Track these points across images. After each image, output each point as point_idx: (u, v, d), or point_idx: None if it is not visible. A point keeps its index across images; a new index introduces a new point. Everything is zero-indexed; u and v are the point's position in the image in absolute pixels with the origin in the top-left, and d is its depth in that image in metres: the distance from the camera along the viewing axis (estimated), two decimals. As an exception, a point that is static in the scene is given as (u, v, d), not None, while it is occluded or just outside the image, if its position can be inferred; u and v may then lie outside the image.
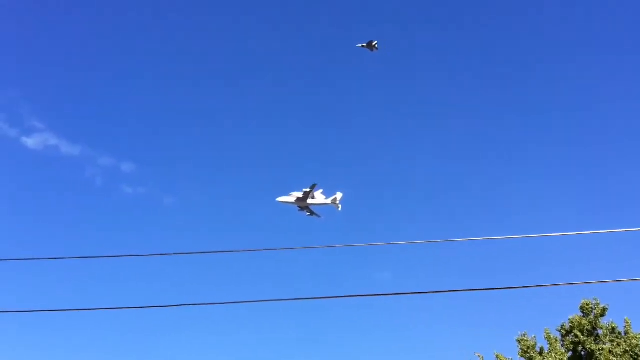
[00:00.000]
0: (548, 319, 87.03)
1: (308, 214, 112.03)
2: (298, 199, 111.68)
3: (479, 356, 42.98)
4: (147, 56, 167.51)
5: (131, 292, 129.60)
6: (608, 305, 42.31)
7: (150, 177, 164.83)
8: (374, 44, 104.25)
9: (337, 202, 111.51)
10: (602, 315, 42.17)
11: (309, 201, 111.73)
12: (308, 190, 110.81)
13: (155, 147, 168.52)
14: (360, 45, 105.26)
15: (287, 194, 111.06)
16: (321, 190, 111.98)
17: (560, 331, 42.49)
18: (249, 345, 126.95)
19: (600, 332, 41.75)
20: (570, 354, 41.68)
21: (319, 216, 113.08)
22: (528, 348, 41.84)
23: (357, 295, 19.68)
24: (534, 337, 42.66)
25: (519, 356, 42.43)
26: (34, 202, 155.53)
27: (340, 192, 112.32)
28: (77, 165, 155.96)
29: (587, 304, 42.52)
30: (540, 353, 41.68)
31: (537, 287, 20.11)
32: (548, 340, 41.99)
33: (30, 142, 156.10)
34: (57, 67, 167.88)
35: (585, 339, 41.00)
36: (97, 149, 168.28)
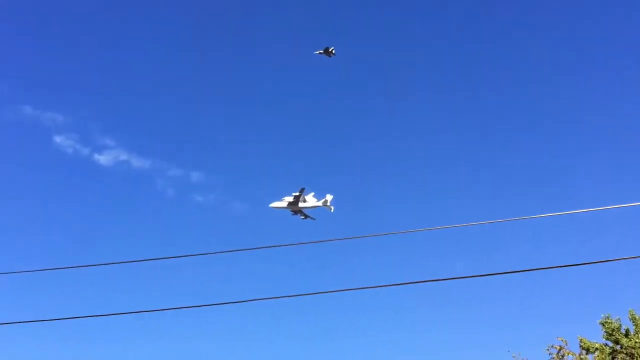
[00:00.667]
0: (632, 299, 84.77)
1: (302, 217, 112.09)
2: (289, 203, 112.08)
3: (514, 357, 42.33)
4: (204, 69, 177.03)
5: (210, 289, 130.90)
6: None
7: (218, 185, 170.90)
8: (330, 50, 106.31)
9: (329, 203, 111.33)
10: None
11: (301, 205, 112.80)
12: (297, 194, 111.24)
13: (220, 156, 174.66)
14: (318, 52, 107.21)
15: (279, 199, 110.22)
16: (312, 193, 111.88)
17: (646, 311, 40.04)
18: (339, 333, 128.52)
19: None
20: (657, 334, 39.31)
21: (313, 218, 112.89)
22: (613, 330, 39.58)
23: (435, 280, 19.04)
24: (618, 318, 40.25)
25: (603, 339, 40.00)
26: (111, 216, 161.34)
27: (330, 194, 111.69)
28: (149, 177, 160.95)
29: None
30: (626, 334, 39.25)
31: (618, 264, 19.52)
32: (633, 322, 39.62)
33: (103, 158, 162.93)
34: (123, 86, 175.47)
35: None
36: (166, 161, 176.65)
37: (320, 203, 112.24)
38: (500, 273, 18.17)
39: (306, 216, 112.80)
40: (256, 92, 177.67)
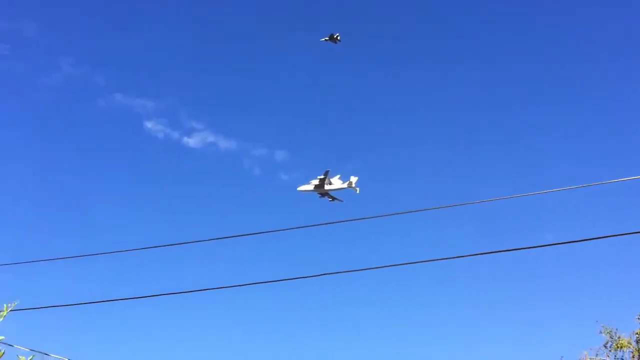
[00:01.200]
0: None
1: (330, 199, 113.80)
2: (316, 186, 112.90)
3: (603, 327, 42.18)
4: (283, 47, 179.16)
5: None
6: None
7: (302, 163, 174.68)
8: (335, 36, 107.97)
9: (353, 185, 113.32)
10: None
11: (327, 187, 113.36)
12: (322, 177, 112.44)
13: (303, 135, 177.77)
14: (323, 39, 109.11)
15: (307, 182, 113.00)
16: (338, 176, 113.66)
17: None
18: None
19: None
20: None
21: (341, 200, 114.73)
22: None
23: (521, 249, 18.47)
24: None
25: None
26: (202, 195, 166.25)
27: (355, 176, 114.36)
28: (236, 158, 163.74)
29: None
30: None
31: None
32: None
33: (192, 141, 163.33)
34: (206, 70, 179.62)
35: None
36: (251, 141, 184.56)
37: (345, 185, 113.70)
38: (587, 240, 17.84)
39: (333, 198, 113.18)
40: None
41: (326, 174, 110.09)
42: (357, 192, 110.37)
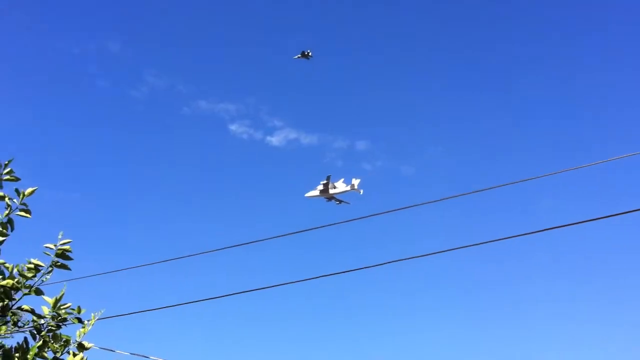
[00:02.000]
0: None
1: (337, 202, 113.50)
2: (321, 191, 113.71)
3: None
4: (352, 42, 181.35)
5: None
6: None
7: (384, 151, 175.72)
8: (307, 52, 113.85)
9: (356, 187, 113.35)
10: None
11: (332, 191, 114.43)
12: (325, 182, 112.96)
13: (383, 123, 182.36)
14: (296, 56, 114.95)
15: (314, 188, 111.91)
16: (342, 179, 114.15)
17: None
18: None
19: None
20: None
21: (347, 202, 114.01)
22: None
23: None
24: None
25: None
26: (289, 191, 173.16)
27: (356, 178, 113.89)
28: (318, 152, 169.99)
29: None
30: None
31: None
32: None
33: (274, 139, 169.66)
34: (282, 70, 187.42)
35: None
36: (331, 134, 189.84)
37: (349, 188, 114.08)
38: None
39: (340, 201, 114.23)
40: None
41: (328, 178, 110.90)
42: (361, 193, 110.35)
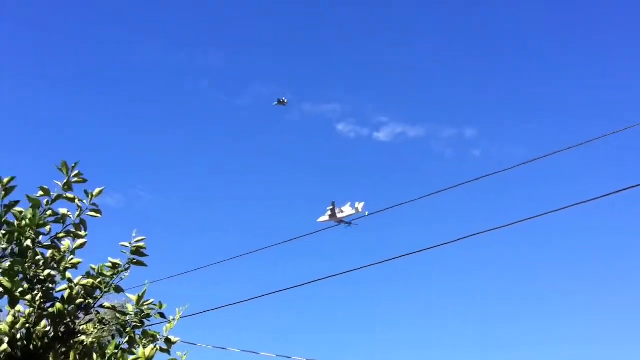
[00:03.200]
0: None
1: (346, 225, 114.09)
2: (330, 216, 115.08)
3: None
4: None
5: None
6: None
7: (494, 136, 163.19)
8: (283, 99, 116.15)
9: (360, 210, 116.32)
10: None
11: (339, 215, 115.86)
12: (331, 207, 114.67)
13: (492, 107, 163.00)
14: (275, 103, 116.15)
15: (324, 213, 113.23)
16: (349, 203, 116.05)
17: None
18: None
19: None
20: None
21: (356, 224, 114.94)
22: None
23: None
24: None
25: None
26: (398, 185, 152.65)
27: (360, 201, 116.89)
28: (425, 143, 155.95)
29: None
30: None
31: None
32: None
33: (381, 135, 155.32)
34: (384, 65, 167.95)
35: None
36: (437, 124, 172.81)
37: (354, 211, 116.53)
38: None
39: (349, 223, 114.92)
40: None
41: (333, 204, 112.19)
42: (366, 215, 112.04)
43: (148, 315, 6.50)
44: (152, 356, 5.43)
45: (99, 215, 6.26)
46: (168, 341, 6.48)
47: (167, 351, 6.51)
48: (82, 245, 6.25)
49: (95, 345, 5.84)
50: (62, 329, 5.88)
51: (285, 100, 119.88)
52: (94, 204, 6.25)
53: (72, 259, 6.20)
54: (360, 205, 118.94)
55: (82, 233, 6.15)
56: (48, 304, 5.97)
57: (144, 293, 6.44)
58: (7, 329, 5.64)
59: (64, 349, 5.62)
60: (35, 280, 5.87)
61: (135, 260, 6.48)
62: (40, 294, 5.89)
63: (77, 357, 5.42)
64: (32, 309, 5.86)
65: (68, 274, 6.11)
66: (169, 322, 6.50)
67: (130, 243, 6.46)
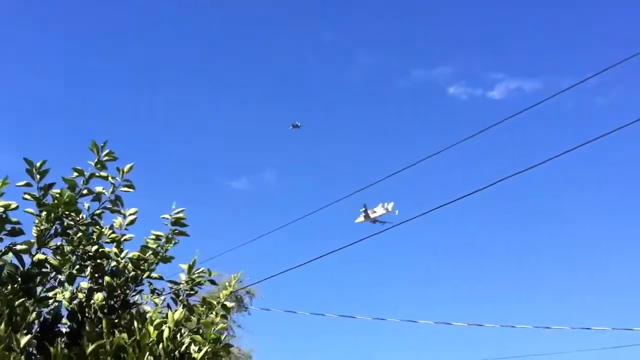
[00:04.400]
0: None
1: (381, 224, 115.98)
2: (364, 217, 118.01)
3: None
4: None
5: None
6: None
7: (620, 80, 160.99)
8: (297, 123, 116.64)
9: (390, 209, 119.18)
10: None
11: (373, 215, 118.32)
12: (363, 209, 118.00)
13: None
14: (290, 127, 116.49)
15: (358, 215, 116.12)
16: (381, 204, 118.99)
17: None
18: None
19: None
20: None
21: (390, 222, 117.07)
22: None
23: None
24: None
25: None
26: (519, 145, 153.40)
27: (389, 202, 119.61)
28: (544, 96, 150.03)
29: None
30: None
31: None
32: None
33: (495, 93, 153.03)
34: (490, 21, 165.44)
35: None
36: (557, 75, 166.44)
37: (384, 211, 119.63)
38: None
39: (383, 222, 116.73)
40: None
41: (365, 206, 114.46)
42: (397, 213, 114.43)
43: (199, 283, 6.57)
44: (181, 319, 5.38)
45: (131, 189, 6.32)
46: (224, 307, 6.52)
47: (225, 317, 6.59)
48: (132, 222, 6.38)
49: (147, 313, 5.88)
50: (115, 302, 5.97)
51: (299, 124, 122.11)
52: (126, 180, 6.30)
53: (124, 235, 6.34)
54: (389, 205, 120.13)
55: (131, 210, 6.35)
56: (101, 280, 6.05)
57: (194, 262, 6.50)
58: (67, 303, 5.81)
59: (116, 320, 5.67)
60: (85, 257, 5.97)
61: (177, 231, 6.53)
62: (90, 270, 5.99)
63: (126, 324, 5.45)
64: (87, 284, 5.97)
65: (114, 249, 6.20)
66: (226, 288, 6.57)
67: (170, 215, 6.52)
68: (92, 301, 5.75)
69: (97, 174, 6.14)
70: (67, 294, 5.82)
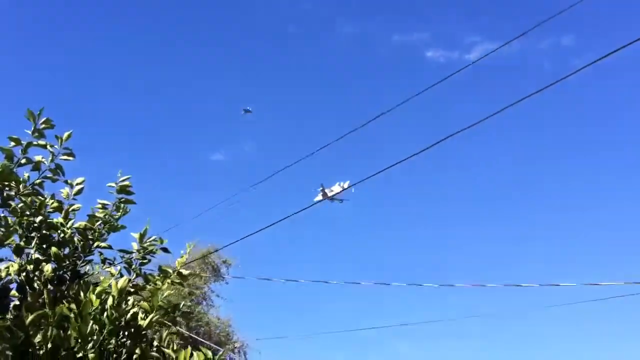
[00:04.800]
0: None
1: (339, 202, 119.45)
2: (322, 195, 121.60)
3: None
4: None
5: None
6: None
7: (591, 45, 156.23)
8: (248, 109, 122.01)
9: (346, 186, 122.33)
10: None
11: (330, 194, 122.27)
12: (321, 189, 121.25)
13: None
14: (243, 112, 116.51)
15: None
16: (338, 183, 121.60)
17: None
18: None
19: None
20: None
21: (348, 200, 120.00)
22: None
23: None
24: None
25: None
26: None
27: (345, 181, 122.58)
28: (522, 58, 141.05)
29: None
30: None
31: None
32: None
33: (472, 56, 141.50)
34: None
35: None
36: (534, 36, 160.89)
37: (340, 189, 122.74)
38: None
39: (341, 200, 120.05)
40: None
41: (322, 186, 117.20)
42: (353, 190, 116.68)
43: (151, 252, 6.44)
44: (125, 287, 5.23)
45: (71, 158, 6.11)
46: (180, 275, 6.45)
47: (181, 284, 6.52)
48: (79, 192, 6.20)
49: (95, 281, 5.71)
50: (64, 272, 5.83)
51: (250, 110, 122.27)
52: (66, 148, 6.09)
53: (72, 205, 6.17)
54: (345, 184, 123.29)
55: (78, 180, 6.16)
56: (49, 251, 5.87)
57: (145, 231, 6.35)
58: (15, 275, 5.63)
59: (66, 290, 5.50)
60: (31, 228, 5.82)
61: (123, 199, 6.36)
62: (36, 241, 5.81)
63: (74, 294, 5.28)
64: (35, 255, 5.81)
65: (60, 219, 6.02)
66: (182, 256, 6.48)
67: (116, 183, 6.34)
68: (43, 273, 5.60)
69: (34, 143, 5.90)
70: (16, 266, 5.64)
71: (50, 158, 5.99)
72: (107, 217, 6.20)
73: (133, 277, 6.16)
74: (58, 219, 5.99)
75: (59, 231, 5.94)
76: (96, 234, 6.15)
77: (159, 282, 6.23)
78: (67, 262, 5.88)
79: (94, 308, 4.81)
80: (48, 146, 5.99)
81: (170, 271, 6.39)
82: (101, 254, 6.22)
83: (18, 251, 5.66)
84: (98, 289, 5.01)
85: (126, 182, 6.39)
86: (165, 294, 5.59)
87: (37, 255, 5.79)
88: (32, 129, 5.90)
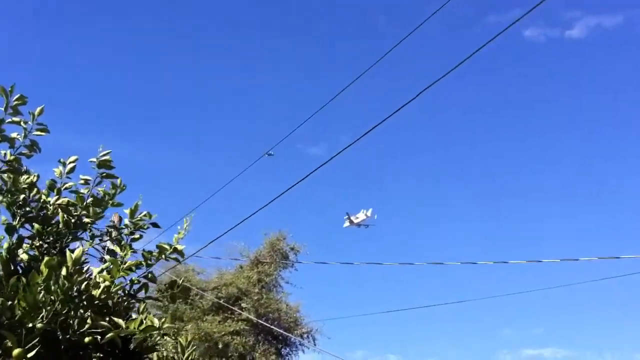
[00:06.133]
0: None
1: (365, 227, 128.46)
2: (349, 222, 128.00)
3: None
4: None
5: None
6: None
7: None
8: (271, 153, 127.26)
9: (369, 215, 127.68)
10: None
11: (356, 221, 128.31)
12: (346, 217, 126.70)
13: None
14: (265, 155, 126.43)
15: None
16: (363, 210, 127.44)
17: None
18: None
19: None
20: None
21: (372, 225, 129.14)
22: None
23: None
24: None
25: None
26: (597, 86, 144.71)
27: (367, 209, 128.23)
28: (629, 32, 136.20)
29: None
30: None
31: None
32: None
33: (574, 32, 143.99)
34: None
35: None
36: (637, 7, 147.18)
37: (364, 217, 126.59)
38: None
39: (367, 226, 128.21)
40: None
41: (347, 214, 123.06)
42: (375, 217, 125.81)
43: (141, 227, 6.34)
44: (79, 257, 5.01)
45: (45, 133, 5.92)
46: (176, 250, 6.23)
47: (177, 260, 6.32)
48: (72, 170, 6.08)
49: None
50: (51, 249, 5.74)
51: (272, 153, 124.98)
52: (39, 124, 5.90)
53: (66, 183, 6.09)
54: (368, 212, 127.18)
55: (71, 158, 6.07)
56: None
57: (136, 206, 6.25)
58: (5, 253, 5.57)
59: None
60: (14, 207, 5.77)
61: (105, 174, 6.18)
62: (19, 218, 5.77)
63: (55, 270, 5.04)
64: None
65: (44, 197, 5.95)
66: (179, 232, 6.28)
67: (97, 158, 6.14)
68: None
69: (8, 121, 5.74)
70: (6, 245, 5.58)
71: (23, 134, 5.81)
72: (102, 194, 6.14)
73: (124, 254, 5.93)
74: (41, 195, 5.92)
75: (41, 207, 5.87)
76: (82, 211, 5.98)
77: (155, 258, 6.02)
78: (51, 239, 5.77)
79: (42, 278, 4.67)
80: (22, 122, 5.81)
81: (168, 247, 6.18)
82: (90, 230, 6.11)
83: (10, 230, 5.62)
84: (48, 259, 4.84)
85: (107, 157, 6.24)
86: (127, 263, 5.45)
87: (21, 233, 5.73)
88: (5, 105, 5.73)
